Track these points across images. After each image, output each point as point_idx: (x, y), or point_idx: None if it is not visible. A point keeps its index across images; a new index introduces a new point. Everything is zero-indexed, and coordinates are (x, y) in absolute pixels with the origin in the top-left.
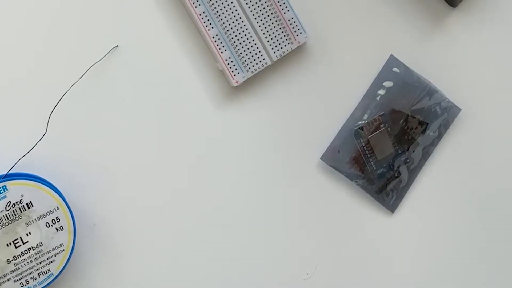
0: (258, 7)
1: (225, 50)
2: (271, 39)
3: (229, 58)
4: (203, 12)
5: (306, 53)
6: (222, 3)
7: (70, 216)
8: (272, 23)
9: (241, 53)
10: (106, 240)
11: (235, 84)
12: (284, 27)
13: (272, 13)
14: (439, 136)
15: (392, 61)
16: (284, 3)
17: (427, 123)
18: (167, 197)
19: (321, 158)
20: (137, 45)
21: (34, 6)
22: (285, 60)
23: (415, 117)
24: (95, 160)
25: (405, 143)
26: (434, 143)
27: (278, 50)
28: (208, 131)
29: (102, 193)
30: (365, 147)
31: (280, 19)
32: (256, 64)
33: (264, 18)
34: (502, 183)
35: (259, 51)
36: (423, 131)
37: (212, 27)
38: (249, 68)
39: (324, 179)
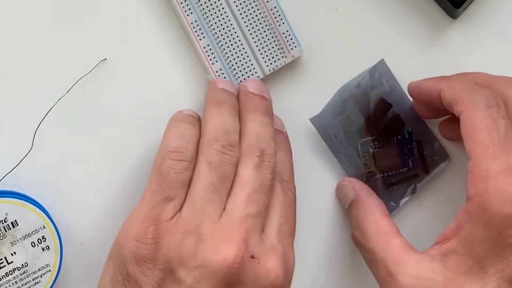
0: (252, 18)
1: (216, 61)
2: (265, 51)
3: (220, 69)
4: (195, 21)
5: (300, 67)
6: (215, 13)
7: (57, 235)
8: (266, 35)
9: (232, 65)
10: (93, 260)
11: None
12: (278, 40)
13: (266, 25)
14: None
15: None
16: (279, 15)
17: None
18: None
19: None
20: (126, 57)
21: (19, 19)
22: (278, 74)
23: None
24: (83, 177)
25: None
26: None
27: (271, 63)
28: None
29: (90, 211)
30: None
31: (274, 32)
32: (248, 77)
33: (258, 30)
34: None
35: (251, 64)
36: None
37: (204, 37)
38: (240, 81)
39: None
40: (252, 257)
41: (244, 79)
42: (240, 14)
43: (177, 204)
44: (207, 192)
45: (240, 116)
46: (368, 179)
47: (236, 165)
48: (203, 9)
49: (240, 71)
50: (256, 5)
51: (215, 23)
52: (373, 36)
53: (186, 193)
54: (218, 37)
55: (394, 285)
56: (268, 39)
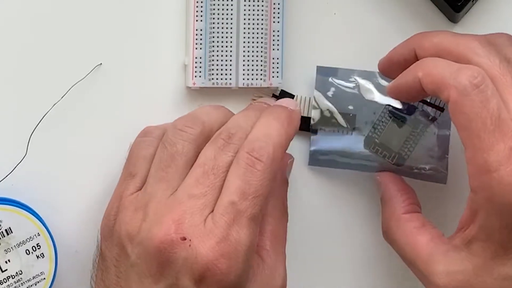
0: (253, 28)
1: (201, 49)
2: (247, 65)
3: (200, 58)
4: (201, 2)
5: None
6: (222, 4)
7: (51, 243)
8: (257, 51)
9: (212, 60)
10: (89, 268)
11: (191, 85)
12: (265, 62)
13: (262, 42)
14: None
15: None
16: (278, 40)
17: None
18: None
19: None
20: (122, 63)
21: (14, 24)
22: (251, 92)
23: None
24: (78, 184)
25: None
26: None
27: (248, 79)
28: None
29: (85, 218)
30: None
31: (266, 52)
32: (221, 79)
33: (253, 42)
34: None
35: (230, 69)
36: None
37: (201, 21)
38: (212, 79)
39: None
40: (184, 238)
41: (217, 79)
42: (244, 19)
43: (139, 180)
44: (156, 170)
45: None
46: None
47: (198, 145)
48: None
49: (217, 69)
50: (262, 19)
51: (218, 14)
52: (373, 41)
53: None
54: (213, 27)
55: (431, 285)
56: (257, 56)
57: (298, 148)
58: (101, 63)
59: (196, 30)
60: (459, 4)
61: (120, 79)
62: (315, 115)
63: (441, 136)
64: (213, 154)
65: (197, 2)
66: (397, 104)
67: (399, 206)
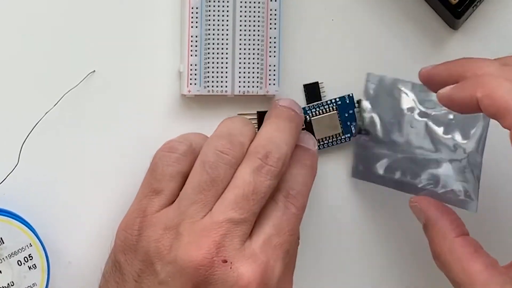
0: (250, 35)
1: (196, 56)
2: (244, 72)
3: (195, 65)
4: (197, 8)
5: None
6: (218, 12)
7: (44, 254)
8: (254, 58)
9: (207, 67)
10: (82, 279)
11: (186, 92)
12: (262, 69)
13: (259, 49)
14: None
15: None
16: (275, 47)
17: None
18: None
19: None
20: (115, 70)
21: (5, 29)
22: (247, 100)
23: None
24: (71, 193)
25: None
26: None
27: (244, 86)
28: None
29: (78, 229)
30: None
31: (262, 59)
32: (217, 87)
33: (249, 49)
34: None
35: (226, 77)
36: None
37: (197, 27)
38: (207, 86)
39: None
40: (225, 261)
41: (212, 87)
42: (240, 26)
43: (164, 198)
44: (194, 192)
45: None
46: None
47: (236, 168)
48: (209, 0)
49: (212, 77)
50: (259, 25)
51: (213, 20)
52: (371, 47)
53: (178, 187)
54: (209, 34)
55: None
56: (253, 63)
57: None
58: (94, 70)
59: (191, 36)
60: (459, 10)
61: (114, 87)
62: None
63: (472, 162)
64: (252, 177)
65: (192, 8)
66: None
67: (449, 229)
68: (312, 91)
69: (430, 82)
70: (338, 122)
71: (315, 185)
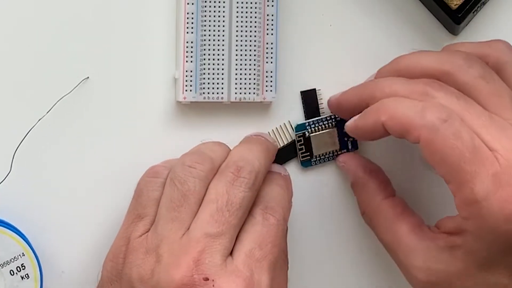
0: (246, 41)
1: (191, 62)
2: (240, 79)
3: (191, 71)
4: (192, 13)
5: (269, 111)
6: (214, 17)
7: (37, 263)
8: (250, 64)
9: (203, 73)
10: None
11: (181, 99)
12: (258, 76)
13: (255, 55)
14: None
15: None
16: (271, 53)
17: None
18: None
19: None
20: (109, 76)
21: None
22: (243, 107)
23: None
24: (64, 202)
25: None
26: None
27: (240, 93)
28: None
29: (71, 238)
30: None
31: (259, 66)
32: (212, 93)
33: (245, 55)
34: None
35: (222, 83)
36: None
37: (192, 33)
38: (203, 93)
39: None
40: (206, 279)
41: (208, 93)
42: (237, 31)
43: (148, 222)
44: (167, 210)
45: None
46: None
47: (208, 183)
48: (205, 6)
49: (208, 83)
50: (255, 31)
51: (209, 25)
52: (369, 53)
53: None
54: (205, 39)
55: (408, 275)
56: (250, 69)
57: None
58: (88, 77)
59: (187, 42)
60: (459, 16)
61: (108, 93)
62: None
63: None
64: (224, 189)
65: (188, 13)
66: None
67: (377, 191)
68: (310, 97)
69: (340, 109)
70: (337, 139)
71: (314, 194)
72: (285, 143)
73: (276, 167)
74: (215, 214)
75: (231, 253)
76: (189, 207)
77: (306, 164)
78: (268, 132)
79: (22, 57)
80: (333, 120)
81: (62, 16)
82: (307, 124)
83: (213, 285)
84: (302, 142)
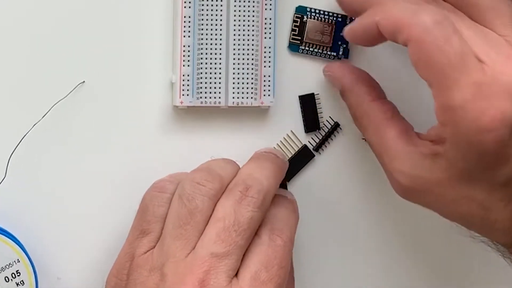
0: (244, 45)
1: (188, 66)
2: (237, 83)
3: (188, 75)
4: (189, 17)
5: (267, 116)
6: (211, 19)
7: (32, 270)
8: (248, 69)
9: (200, 77)
10: None
11: (178, 104)
12: (256, 80)
13: (253, 59)
14: None
15: None
16: (269, 57)
17: None
18: None
19: None
20: (105, 80)
21: None
22: (241, 112)
23: None
24: (60, 208)
25: None
26: None
27: (238, 98)
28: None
29: (67, 244)
30: None
31: (257, 70)
32: (210, 98)
33: (243, 59)
34: None
35: (219, 87)
36: None
37: (189, 36)
38: (200, 97)
39: None
40: None
41: (205, 98)
42: (234, 35)
43: (153, 239)
44: (174, 227)
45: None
46: None
47: (216, 201)
48: (202, 9)
49: (206, 88)
50: (253, 35)
51: (207, 29)
52: (370, 57)
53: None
54: (202, 44)
55: (392, 179)
56: (247, 73)
57: None
58: (84, 81)
59: (184, 46)
60: None
61: (104, 98)
62: None
63: None
64: (232, 208)
65: (185, 17)
66: None
67: (365, 93)
68: (308, 102)
69: (355, 37)
70: (331, 37)
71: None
72: (293, 153)
73: (283, 191)
74: (221, 234)
75: (236, 274)
76: (196, 225)
77: (294, 48)
78: (274, 147)
79: (17, 61)
80: (335, 18)
81: (58, 20)
82: (308, 9)
83: None
84: (298, 24)
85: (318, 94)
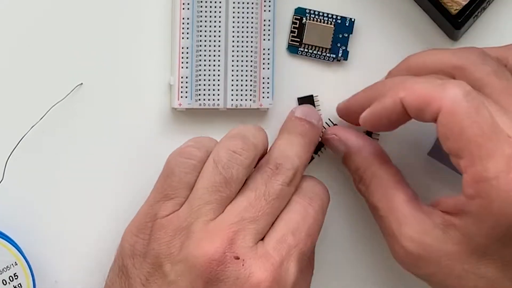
0: (242, 46)
1: (187, 68)
2: (236, 85)
3: (186, 77)
4: (188, 18)
5: (266, 118)
6: (210, 21)
7: (30, 273)
8: (247, 70)
9: (199, 79)
10: None
11: (176, 106)
12: (255, 82)
13: (252, 61)
14: None
15: None
16: (268, 59)
17: None
18: None
19: None
20: (103, 82)
21: None
22: (240, 114)
23: None
24: (58, 211)
25: None
26: None
27: (236, 100)
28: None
29: (65, 247)
30: None
31: (256, 72)
32: (208, 100)
33: (242, 61)
34: None
35: (218, 89)
36: None
37: (188, 38)
38: (199, 99)
39: None
40: (237, 258)
41: (204, 100)
42: (233, 36)
43: (177, 203)
44: (207, 192)
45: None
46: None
47: (249, 170)
48: (200, 11)
49: (204, 90)
50: (252, 36)
51: (205, 31)
52: (369, 59)
53: (189, 194)
54: (200, 45)
55: (397, 245)
56: (246, 75)
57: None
58: (82, 83)
59: (182, 48)
60: (459, 21)
61: (102, 100)
62: None
63: None
64: (263, 181)
65: (183, 18)
66: None
67: (373, 156)
68: (307, 104)
69: (349, 113)
70: (331, 38)
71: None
72: None
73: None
74: (252, 201)
75: (263, 239)
76: (229, 192)
77: (293, 50)
78: None
79: (15, 63)
80: (334, 20)
81: (56, 22)
82: (307, 10)
83: (243, 265)
84: (297, 25)
85: (317, 96)
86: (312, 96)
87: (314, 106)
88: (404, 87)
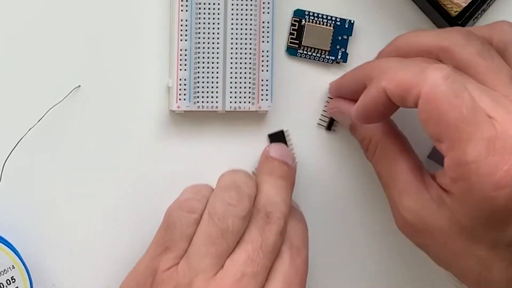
0: (241, 49)
1: (185, 70)
2: (235, 87)
3: (185, 80)
4: (186, 20)
5: (264, 120)
6: (208, 22)
7: (27, 276)
8: (245, 72)
9: (198, 82)
10: None
11: (175, 108)
12: (254, 84)
13: (250, 63)
14: None
15: None
16: (267, 61)
17: None
18: (133, 257)
19: None
20: (101, 85)
21: None
22: (238, 116)
23: None
24: (56, 214)
25: None
26: None
27: (235, 102)
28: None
29: (62, 251)
30: None
31: (254, 74)
32: (207, 102)
33: (241, 63)
34: None
35: (216, 92)
36: None
37: (186, 40)
38: (197, 102)
39: None
40: None
41: (203, 102)
42: (231, 38)
43: (178, 255)
44: (204, 245)
45: (257, 182)
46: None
47: (245, 221)
48: (199, 13)
49: (202, 92)
50: (251, 38)
51: (204, 33)
52: (368, 60)
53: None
54: (199, 47)
55: (397, 214)
56: (245, 78)
57: None
58: (79, 85)
59: (181, 50)
60: (459, 23)
61: (100, 102)
62: None
63: None
64: (258, 232)
65: (181, 20)
66: None
67: (381, 124)
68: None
69: (340, 93)
70: (330, 40)
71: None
72: None
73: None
74: (251, 255)
75: None
76: (226, 245)
77: (292, 52)
78: None
79: (12, 65)
80: (333, 22)
81: (54, 23)
82: (306, 12)
83: None
84: (296, 27)
85: (287, 130)
86: (282, 131)
87: (286, 142)
88: (386, 76)
